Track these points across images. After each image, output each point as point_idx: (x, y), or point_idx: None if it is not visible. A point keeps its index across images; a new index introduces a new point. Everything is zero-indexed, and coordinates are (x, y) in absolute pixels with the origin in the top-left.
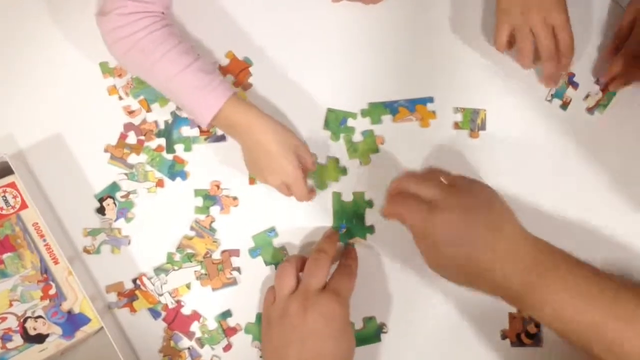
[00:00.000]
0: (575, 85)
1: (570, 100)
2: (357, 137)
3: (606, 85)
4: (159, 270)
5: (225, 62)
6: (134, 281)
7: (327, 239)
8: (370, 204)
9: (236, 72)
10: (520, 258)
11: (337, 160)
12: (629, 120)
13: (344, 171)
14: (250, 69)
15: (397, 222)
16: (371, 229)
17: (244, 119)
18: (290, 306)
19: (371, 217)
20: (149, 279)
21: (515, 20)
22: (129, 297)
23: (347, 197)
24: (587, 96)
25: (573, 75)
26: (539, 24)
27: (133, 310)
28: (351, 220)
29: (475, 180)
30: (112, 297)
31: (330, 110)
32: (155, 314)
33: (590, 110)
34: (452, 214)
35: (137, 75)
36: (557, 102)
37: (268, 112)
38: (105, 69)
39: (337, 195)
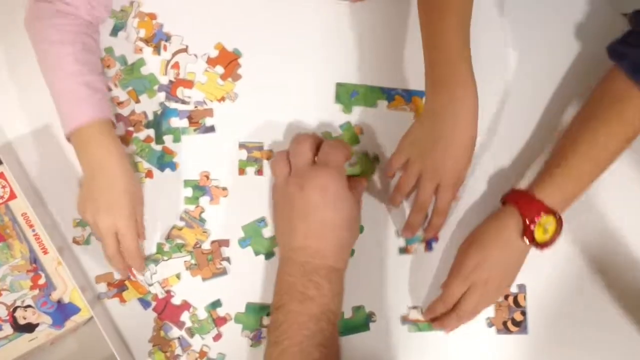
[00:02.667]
0: (429, 248)
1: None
2: (336, 132)
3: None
4: (148, 260)
5: (214, 53)
6: None
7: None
8: (361, 229)
9: (225, 64)
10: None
11: (366, 154)
12: None
13: (377, 159)
14: (240, 60)
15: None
16: (352, 251)
17: (103, 149)
18: (289, 188)
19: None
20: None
21: (412, 154)
22: (119, 288)
23: None
24: None
25: (436, 239)
26: (427, 174)
27: (123, 300)
28: None
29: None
30: (102, 287)
31: (339, 85)
32: (145, 304)
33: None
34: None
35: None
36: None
37: (260, 104)
38: None
39: None
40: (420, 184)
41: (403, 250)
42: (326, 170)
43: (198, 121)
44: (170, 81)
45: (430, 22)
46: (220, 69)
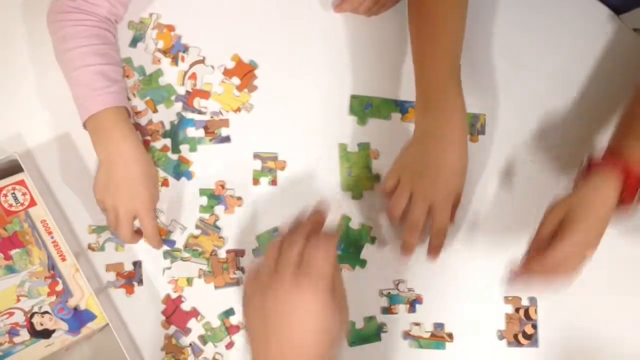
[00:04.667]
0: (412, 309)
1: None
2: (352, 147)
3: None
4: (167, 254)
5: (231, 65)
6: (134, 264)
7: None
8: (373, 240)
9: (242, 75)
10: None
11: (369, 168)
12: None
13: (377, 178)
14: (256, 71)
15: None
16: (364, 263)
17: (118, 133)
18: (267, 302)
19: (367, 252)
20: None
21: (403, 176)
22: (127, 279)
23: (354, 224)
24: None
25: (419, 301)
26: (419, 195)
27: (130, 291)
28: (349, 247)
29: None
30: (111, 276)
31: (353, 97)
32: (169, 243)
33: None
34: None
35: (55, 56)
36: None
37: (275, 115)
38: None
39: (347, 220)
40: (412, 204)
41: (386, 310)
42: (309, 293)
43: (214, 131)
44: (187, 92)
45: (421, 44)
46: (236, 80)
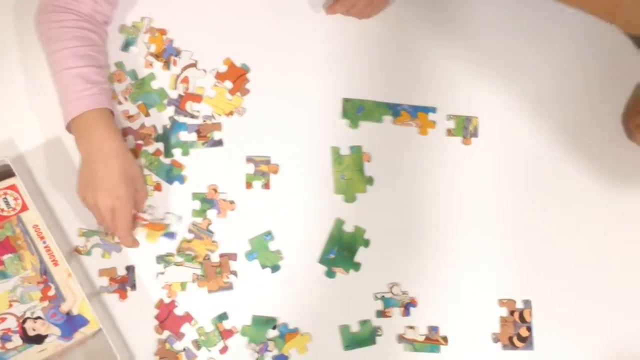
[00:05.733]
0: (406, 313)
1: None
2: (344, 151)
3: None
4: (160, 259)
5: (223, 68)
6: (127, 268)
7: None
8: (367, 243)
9: (234, 79)
10: None
11: (361, 171)
12: None
13: (370, 181)
14: (248, 75)
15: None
16: (357, 266)
17: (99, 132)
18: None
19: (361, 255)
20: (144, 212)
21: None
22: (120, 284)
23: (348, 227)
24: None
25: (413, 304)
26: None
27: (123, 296)
28: (343, 250)
29: None
30: (104, 281)
31: (346, 100)
32: (169, 235)
33: None
34: None
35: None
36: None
37: (267, 119)
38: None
39: (339, 223)
40: None
41: (380, 314)
42: None
43: (206, 135)
44: (180, 95)
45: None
46: (229, 84)
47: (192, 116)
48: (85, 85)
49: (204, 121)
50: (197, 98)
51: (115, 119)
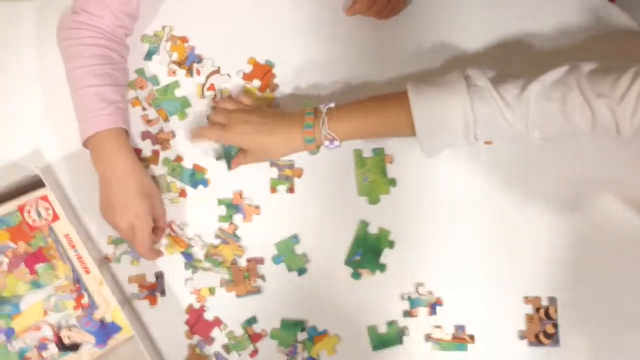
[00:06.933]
0: (432, 312)
1: None
2: (367, 153)
3: None
4: (188, 265)
5: (248, 68)
6: (156, 275)
7: None
8: (392, 244)
9: (261, 76)
10: None
11: (384, 173)
12: None
13: (393, 183)
14: (274, 70)
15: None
16: (383, 267)
17: (112, 153)
18: None
19: (386, 256)
20: (177, 225)
21: None
22: (150, 290)
23: (372, 229)
24: None
25: (439, 304)
26: None
27: (153, 302)
28: (368, 252)
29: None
30: (134, 288)
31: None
32: (187, 257)
33: None
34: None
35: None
36: None
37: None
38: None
39: (363, 224)
40: None
41: (407, 314)
42: None
43: None
44: (212, 106)
45: None
46: (257, 82)
47: None
48: (101, 105)
49: None
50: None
51: (130, 138)
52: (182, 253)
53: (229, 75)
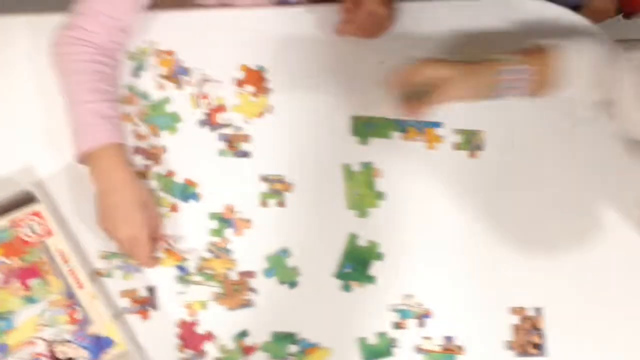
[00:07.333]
0: (422, 324)
1: None
2: (355, 167)
3: None
4: (180, 279)
5: (241, 75)
6: (148, 289)
7: None
8: (380, 257)
9: (254, 82)
10: None
11: (372, 187)
12: None
13: (381, 196)
14: (266, 75)
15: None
16: (373, 279)
17: (111, 166)
18: None
19: (375, 268)
20: (171, 238)
21: None
22: (142, 304)
23: (361, 242)
24: None
25: (429, 315)
26: None
27: (146, 316)
28: (358, 264)
29: None
30: (126, 302)
31: (354, 117)
32: (182, 270)
33: None
34: None
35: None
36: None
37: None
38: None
39: (352, 237)
40: None
41: (397, 325)
42: None
43: (235, 145)
44: (207, 113)
45: None
46: (250, 88)
47: (226, 126)
48: (97, 120)
49: (235, 132)
50: (221, 109)
51: (127, 152)
52: (177, 266)
53: (220, 83)
